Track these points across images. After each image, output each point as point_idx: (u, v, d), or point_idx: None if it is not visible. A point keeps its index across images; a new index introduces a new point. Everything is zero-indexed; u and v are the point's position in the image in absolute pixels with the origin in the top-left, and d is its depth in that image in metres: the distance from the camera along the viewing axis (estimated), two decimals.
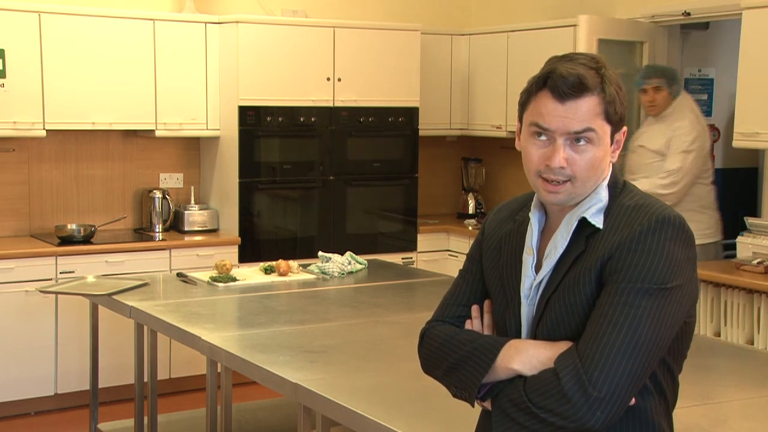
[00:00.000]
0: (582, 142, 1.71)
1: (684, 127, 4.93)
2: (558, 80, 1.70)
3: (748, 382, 3.01)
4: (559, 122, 1.70)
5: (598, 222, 1.73)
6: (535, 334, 1.76)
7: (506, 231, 1.88)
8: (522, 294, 1.80)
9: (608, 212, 1.74)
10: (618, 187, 1.77)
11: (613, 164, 1.80)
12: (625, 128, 1.78)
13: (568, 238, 1.75)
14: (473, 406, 1.82)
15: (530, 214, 1.83)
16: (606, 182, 1.77)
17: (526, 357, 1.70)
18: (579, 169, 1.71)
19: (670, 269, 1.65)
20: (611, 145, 1.76)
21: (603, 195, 1.75)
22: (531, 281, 1.79)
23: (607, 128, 1.73)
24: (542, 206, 1.83)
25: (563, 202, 1.75)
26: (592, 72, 1.71)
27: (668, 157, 4.91)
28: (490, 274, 1.89)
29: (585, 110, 1.70)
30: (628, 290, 1.63)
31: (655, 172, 4.92)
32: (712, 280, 4.57)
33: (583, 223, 1.74)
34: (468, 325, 1.88)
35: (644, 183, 4.82)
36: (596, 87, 1.70)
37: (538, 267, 1.79)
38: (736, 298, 4.52)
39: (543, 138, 1.73)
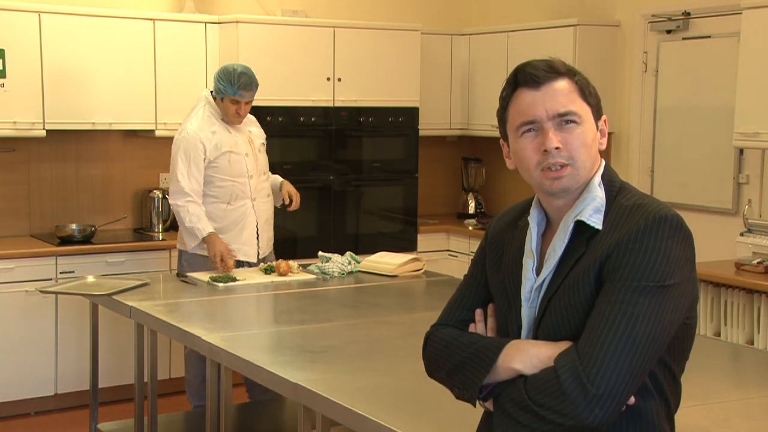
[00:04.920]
0: (569, 124, 1.75)
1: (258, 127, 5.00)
2: (529, 70, 1.78)
3: (748, 382, 3.02)
4: (541, 109, 1.75)
5: (596, 223, 1.74)
6: (535, 336, 1.77)
7: (509, 236, 1.90)
8: (523, 297, 1.80)
9: (607, 213, 1.75)
10: (615, 187, 1.79)
11: (609, 165, 1.82)
12: (605, 117, 1.83)
13: (566, 241, 1.76)
14: (475, 406, 1.83)
15: (529, 218, 1.84)
16: (599, 177, 1.78)
17: (527, 356, 1.71)
18: (574, 148, 1.75)
19: (668, 267, 1.65)
20: (596, 130, 1.79)
21: (597, 193, 1.76)
22: (531, 284, 1.80)
23: (587, 108, 1.78)
24: (542, 209, 1.84)
25: (567, 187, 1.76)
26: (559, 62, 1.80)
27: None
28: (492, 278, 1.90)
29: (561, 90, 1.76)
30: (626, 288, 1.64)
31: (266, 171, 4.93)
32: (712, 280, 4.57)
33: (582, 224, 1.75)
34: (472, 329, 1.90)
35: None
36: (566, 71, 1.78)
37: (539, 270, 1.80)
38: (736, 298, 4.52)
39: (532, 132, 1.77)
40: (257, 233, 4.77)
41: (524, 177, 1.81)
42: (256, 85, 4.69)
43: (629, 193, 1.78)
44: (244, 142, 4.75)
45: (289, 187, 4.93)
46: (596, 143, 1.78)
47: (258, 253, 4.79)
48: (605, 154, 1.84)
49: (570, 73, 1.78)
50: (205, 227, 4.55)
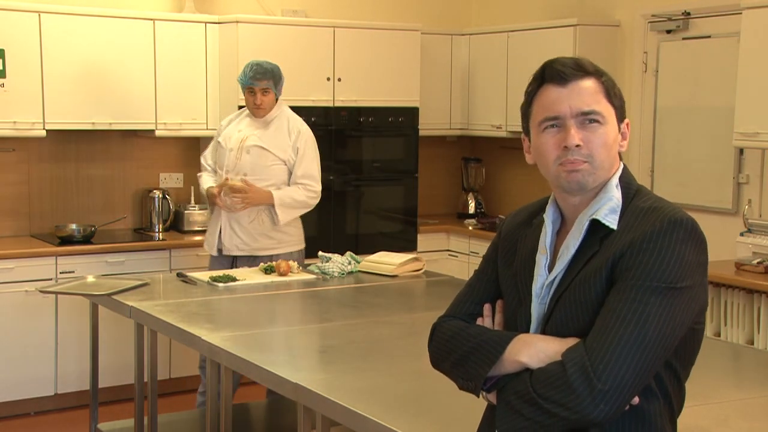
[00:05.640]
0: (592, 123, 1.76)
1: (305, 132, 4.88)
2: (556, 66, 1.78)
3: (748, 382, 3.02)
4: (565, 106, 1.76)
5: (611, 223, 1.75)
6: (544, 332, 1.78)
7: (523, 233, 1.91)
8: (534, 293, 1.82)
9: (622, 214, 1.76)
10: (632, 189, 1.80)
11: (627, 168, 1.83)
12: (628, 120, 1.84)
13: (580, 239, 1.77)
14: (478, 396, 1.83)
15: (545, 215, 1.85)
16: (617, 178, 1.79)
17: (534, 350, 1.72)
18: (595, 147, 1.76)
19: (681, 270, 1.67)
20: (618, 131, 1.80)
21: (614, 193, 1.77)
22: (543, 280, 1.81)
23: (611, 110, 1.79)
24: (558, 207, 1.85)
25: (583, 182, 1.77)
26: (587, 62, 1.81)
27: (301, 164, 4.84)
28: (504, 274, 1.92)
29: (587, 89, 1.77)
30: (638, 287, 1.65)
31: (277, 176, 4.79)
32: (712, 280, 4.57)
33: (597, 224, 1.76)
34: (479, 323, 1.91)
35: (295, 193, 4.81)
36: (593, 71, 1.80)
37: (551, 267, 1.81)
38: (736, 298, 4.52)
39: (555, 128, 1.78)
40: (220, 229, 4.83)
41: (542, 172, 1.83)
42: (272, 75, 4.78)
43: (645, 196, 1.79)
44: (237, 139, 4.83)
45: (256, 193, 4.75)
46: (617, 145, 1.80)
47: (219, 250, 4.86)
48: None
49: (597, 73, 1.80)
50: (204, 184, 4.93)
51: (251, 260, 4.80)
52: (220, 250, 4.87)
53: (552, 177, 1.80)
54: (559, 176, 1.78)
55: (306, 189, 4.87)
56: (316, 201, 4.93)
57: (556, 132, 1.77)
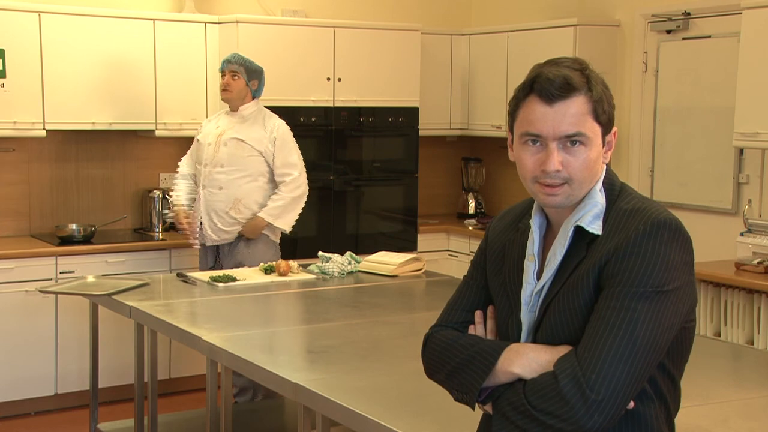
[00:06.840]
0: (575, 145, 1.72)
1: (281, 125, 4.99)
2: (545, 83, 1.71)
3: (748, 382, 3.02)
4: (549, 126, 1.71)
5: (595, 229, 1.73)
6: (535, 339, 1.77)
7: (509, 238, 1.89)
8: (523, 300, 1.80)
9: (606, 217, 1.74)
10: (615, 190, 1.78)
11: (609, 168, 1.81)
12: (615, 129, 1.79)
13: (566, 246, 1.75)
14: (474, 409, 1.83)
15: (531, 222, 1.83)
16: (600, 185, 1.77)
17: (526, 360, 1.71)
18: (575, 170, 1.72)
19: (667, 272, 1.65)
20: (603, 146, 1.76)
21: (598, 199, 1.75)
22: (532, 288, 1.79)
23: (598, 129, 1.74)
24: (543, 212, 1.84)
25: (561, 204, 1.75)
26: (577, 73, 1.73)
27: (280, 154, 4.95)
28: (493, 281, 1.90)
29: (574, 112, 1.71)
30: (625, 294, 1.64)
31: (254, 167, 4.92)
32: (712, 280, 4.57)
33: (582, 230, 1.74)
34: (471, 331, 1.89)
35: (277, 201, 4.95)
36: (583, 87, 1.72)
37: (540, 274, 1.79)
38: (736, 298, 4.52)
39: (536, 144, 1.74)
40: (200, 221, 5.01)
41: (521, 178, 1.81)
42: (244, 62, 4.96)
43: (629, 197, 1.77)
44: (215, 134, 5.01)
45: (250, 225, 4.97)
46: (599, 160, 1.75)
47: (203, 243, 5.05)
48: None
49: (587, 87, 1.72)
50: (176, 197, 5.14)
51: (233, 247, 4.99)
52: (203, 244, 5.05)
53: (530, 191, 1.79)
54: (537, 195, 1.77)
55: (286, 185, 4.97)
56: (304, 188, 5.01)
57: (536, 150, 1.73)
